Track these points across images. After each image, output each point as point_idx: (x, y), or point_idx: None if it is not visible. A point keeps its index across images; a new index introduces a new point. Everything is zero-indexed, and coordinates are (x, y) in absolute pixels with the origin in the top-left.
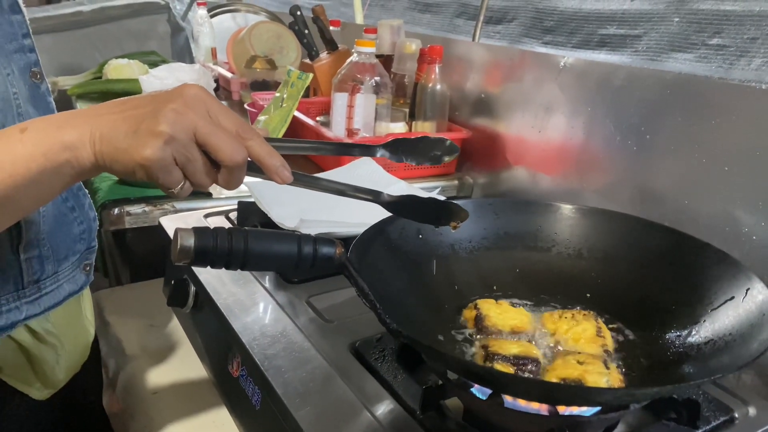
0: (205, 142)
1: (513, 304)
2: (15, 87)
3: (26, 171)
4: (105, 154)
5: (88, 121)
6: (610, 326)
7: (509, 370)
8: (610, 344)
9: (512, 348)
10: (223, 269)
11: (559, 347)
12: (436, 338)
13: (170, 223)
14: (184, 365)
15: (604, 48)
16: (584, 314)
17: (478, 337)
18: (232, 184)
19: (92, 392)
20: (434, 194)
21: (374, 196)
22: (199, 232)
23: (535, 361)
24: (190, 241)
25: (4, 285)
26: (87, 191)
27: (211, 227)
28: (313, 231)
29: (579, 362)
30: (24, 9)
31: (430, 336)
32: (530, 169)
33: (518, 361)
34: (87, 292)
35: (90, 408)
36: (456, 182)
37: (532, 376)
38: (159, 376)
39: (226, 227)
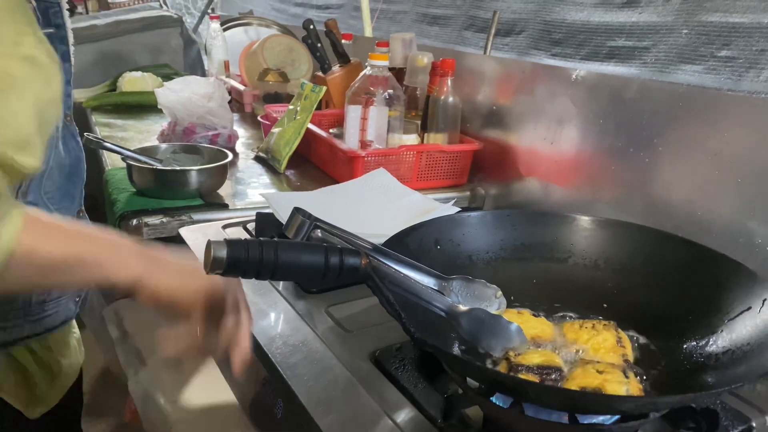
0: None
1: (534, 314)
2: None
3: (81, 277)
4: (148, 285)
5: (137, 259)
6: (628, 336)
7: (533, 379)
8: (630, 354)
9: (535, 358)
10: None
11: (580, 357)
12: (457, 347)
13: (189, 234)
14: (204, 375)
15: (612, 60)
16: (605, 324)
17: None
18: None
19: (74, 413)
20: (449, 205)
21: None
22: (231, 243)
23: (558, 369)
24: (223, 252)
25: (14, 301)
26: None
27: (242, 238)
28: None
29: (599, 371)
30: (73, 58)
31: (450, 345)
32: (542, 181)
33: (542, 371)
34: (73, 321)
35: (71, 427)
36: (468, 193)
37: (554, 384)
38: (178, 385)
39: (257, 239)
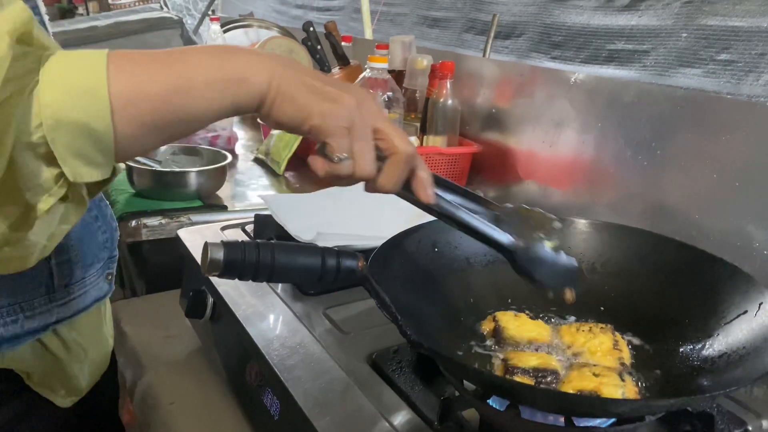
0: (381, 127)
1: (531, 317)
2: None
3: (195, 76)
4: (282, 92)
5: (270, 59)
6: (624, 339)
7: (529, 382)
8: (627, 357)
9: (531, 360)
10: (242, 281)
11: (576, 360)
12: (454, 350)
13: (188, 236)
14: (201, 376)
15: (612, 63)
16: (602, 327)
17: (495, 347)
18: (393, 179)
19: (109, 401)
20: None
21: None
22: (228, 245)
23: (554, 372)
24: (219, 254)
25: (37, 288)
26: (108, 202)
27: (239, 240)
28: (329, 244)
29: (595, 374)
30: (50, 29)
31: (447, 348)
32: (541, 184)
33: (538, 373)
34: (107, 303)
35: (107, 416)
36: None
37: (550, 387)
38: (175, 386)
39: (254, 241)
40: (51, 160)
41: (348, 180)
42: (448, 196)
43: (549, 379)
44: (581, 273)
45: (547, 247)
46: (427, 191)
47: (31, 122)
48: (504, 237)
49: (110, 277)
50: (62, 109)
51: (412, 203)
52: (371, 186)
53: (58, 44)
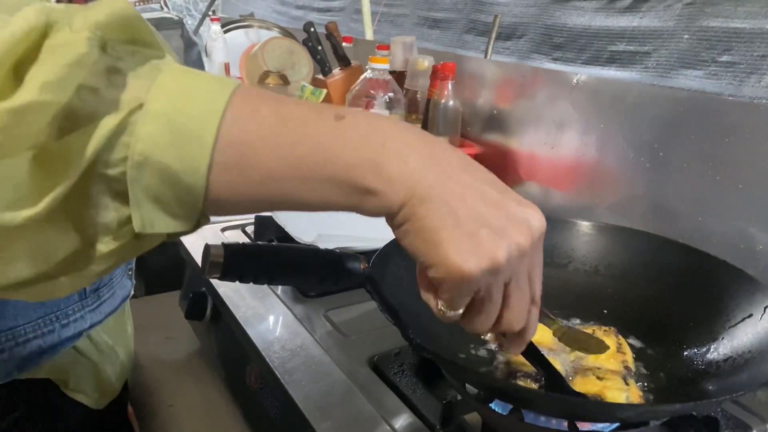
0: (509, 296)
1: None
2: None
3: (320, 168)
4: (414, 220)
5: (420, 165)
6: (628, 342)
7: (532, 386)
8: (631, 360)
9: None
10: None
11: (580, 363)
12: (456, 353)
13: (188, 237)
14: (201, 378)
15: (613, 64)
16: (605, 330)
17: (497, 351)
18: (479, 330)
19: (123, 398)
20: None
21: None
22: (228, 247)
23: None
24: (220, 256)
25: (70, 296)
26: None
27: (240, 242)
28: (330, 246)
29: (599, 378)
30: None
31: (450, 351)
32: (542, 185)
33: (541, 377)
34: (127, 301)
35: (121, 414)
36: None
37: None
38: (175, 388)
39: (256, 243)
40: (123, 199)
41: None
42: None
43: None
44: None
45: None
46: (518, 350)
47: (118, 153)
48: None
49: (131, 273)
50: (156, 147)
51: None
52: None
53: (167, 44)
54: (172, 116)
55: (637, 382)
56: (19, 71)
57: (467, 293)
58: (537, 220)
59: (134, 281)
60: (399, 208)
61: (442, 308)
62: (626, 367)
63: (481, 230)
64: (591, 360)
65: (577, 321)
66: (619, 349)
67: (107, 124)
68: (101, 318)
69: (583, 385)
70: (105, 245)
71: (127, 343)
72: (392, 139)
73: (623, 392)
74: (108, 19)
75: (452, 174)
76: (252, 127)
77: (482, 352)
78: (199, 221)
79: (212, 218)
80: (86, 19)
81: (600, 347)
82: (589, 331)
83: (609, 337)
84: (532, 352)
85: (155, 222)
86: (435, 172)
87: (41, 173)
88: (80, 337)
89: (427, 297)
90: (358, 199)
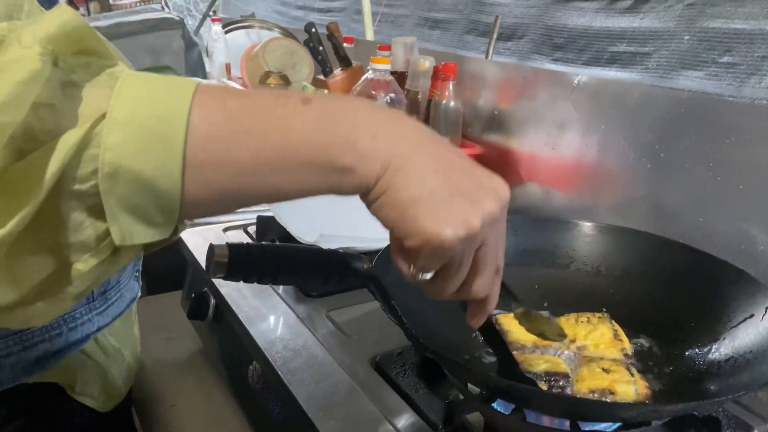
0: (479, 262)
1: None
2: None
3: (293, 154)
4: (390, 193)
5: (391, 140)
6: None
7: (542, 387)
8: (628, 347)
9: (540, 364)
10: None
11: (581, 354)
12: (459, 353)
13: (190, 237)
14: (203, 378)
15: (614, 65)
16: (599, 317)
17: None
18: (442, 295)
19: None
20: None
21: None
22: (233, 247)
23: (565, 375)
24: (225, 256)
25: None
26: None
27: (244, 242)
28: (333, 246)
29: (604, 370)
30: None
31: (452, 351)
32: (543, 186)
33: (550, 377)
34: (134, 304)
35: (126, 416)
36: None
37: (562, 391)
38: (177, 388)
39: (260, 243)
40: (98, 213)
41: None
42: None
43: (561, 383)
44: None
45: None
46: (479, 321)
47: (86, 166)
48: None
49: (138, 275)
50: (126, 155)
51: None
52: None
53: (119, 53)
54: (139, 122)
55: (639, 371)
56: None
57: (443, 260)
58: (503, 189)
59: (141, 283)
60: (375, 182)
61: (414, 272)
62: (625, 354)
63: (455, 198)
64: (591, 349)
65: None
66: (616, 336)
67: (70, 138)
68: (109, 321)
69: (591, 379)
70: (84, 264)
71: (133, 345)
72: (361, 118)
73: (632, 385)
74: (57, 31)
75: (423, 145)
76: (220, 122)
77: (485, 352)
78: (177, 227)
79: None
80: (35, 33)
81: (558, 334)
82: (584, 318)
83: (603, 324)
84: (491, 332)
85: (134, 233)
86: (406, 144)
87: (4, 196)
88: (88, 340)
89: (400, 262)
90: (336, 178)
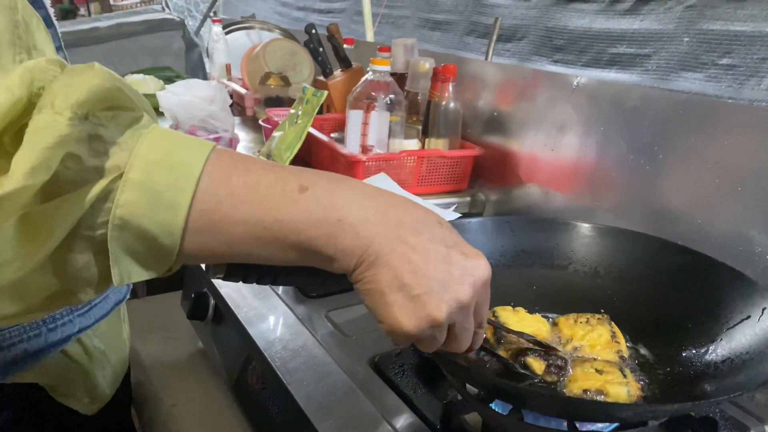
0: (453, 333)
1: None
2: None
3: (283, 237)
4: (363, 282)
5: (372, 235)
6: (628, 344)
7: (540, 364)
8: (624, 349)
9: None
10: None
11: (576, 354)
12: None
13: None
14: (202, 378)
15: (614, 67)
16: (598, 318)
17: (493, 343)
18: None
19: (125, 404)
20: (450, 211)
21: None
22: None
23: (563, 358)
24: None
25: None
26: None
27: None
28: None
29: (597, 371)
30: (56, 22)
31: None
32: (543, 187)
33: (548, 358)
34: (124, 306)
35: (124, 420)
36: (468, 199)
37: (561, 372)
38: (177, 388)
39: None
40: (104, 255)
41: None
42: None
43: (559, 362)
44: None
45: None
46: (464, 357)
47: (100, 217)
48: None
49: None
50: (135, 213)
51: None
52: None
53: (146, 102)
54: (150, 185)
55: (632, 372)
56: (3, 142)
57: (410, 342)
58: (481, 270)
59: (131, 286)
60: (353, 271)
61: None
62: (621, 357)
63: (422, 293)
64: (587, 350)
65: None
66: (613, 338)
67: (91, 191)
68: (91, 322)
69: (584, 379)
70: (85, 295)
71: (121, 349)
72: (349, 211)
73: (624, 386)
74: (89, 97)
75: (401, 237)
76: (223, 197)
77: (482, 351)
78: (170, 268)
79: None
80: (68, 98)
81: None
82: (583, 319)
83: (602, 325)
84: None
85: (132, 273)
86: (385, 238)
87: (26, 237)
88: (69, 341)
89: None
90: (319, 261)
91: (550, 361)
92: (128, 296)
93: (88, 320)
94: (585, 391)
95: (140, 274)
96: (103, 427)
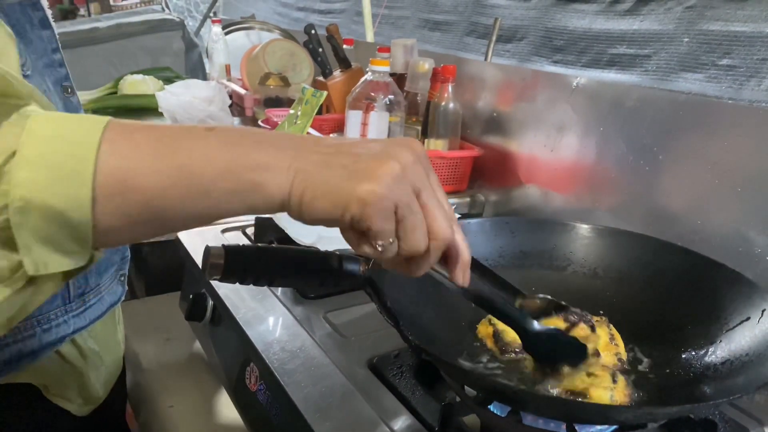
0: (426, 206)
1: None
2: (52, 102)
3: (200, 174)
4: (308, 190)
5: (289, 146)
6: (626, 346)
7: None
8: (623, 352)
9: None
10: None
11: None
12: (455, 355)
13: (188, 238)
14: (200, 379)
15: (613, 67)
16: (597, 320)
17: (496, 352)
18: (424, 267)
19: (119, 405)
20: None
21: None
22: (229, 249)
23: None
24: (220, 258)
25: (53, 300)
26: None
27: (241, 244)
28: (331, 247)
29: (588, 373)
30: (53, 24)
31: (449, 353)
32: (542, 188)
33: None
34: (119, 307)
35: (118, 422)
36: (468, 199)
37: (591, 328)
38: (175, 389)
39: (256, 245)
40: (11, 245)
41: (391, 259)
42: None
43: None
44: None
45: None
46: (465, 274)
47: None
48: (529, 323)
49: (123, 278)
50: (36, 190)
51: (439, 279)
52: (397, 268)
53: (37, 90)
54: (48, 158)
55: (634, 385)
56: None
57: (388, 213)
58: (413, 142)
59: (126, 288)
60: (290, 189)
61: (379, 245)
62: (620, 359)
63: (370, 161)
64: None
65: None
66: (612, 341)
67: None
68: (86, 323)
69: (570, 380)
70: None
71: (115, 350)
72: (261, 135)
73: (608, 391)
74: None
75: (318, 147)
76: (128, 152)
77: (479, 352)
78: (93, 255)
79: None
80: None
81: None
82: None
83: (601, 327)
84: (481, 298)
85: (48, 263)
86: (303, 151)
87: None
88: (63, 342)
89: (362, 247)
90: (249, 196)
91: (571, 318)
92: (123, 298)
93: (83, 321)
94: (567, 391)
95: (59, 262)
96: (96, 428)
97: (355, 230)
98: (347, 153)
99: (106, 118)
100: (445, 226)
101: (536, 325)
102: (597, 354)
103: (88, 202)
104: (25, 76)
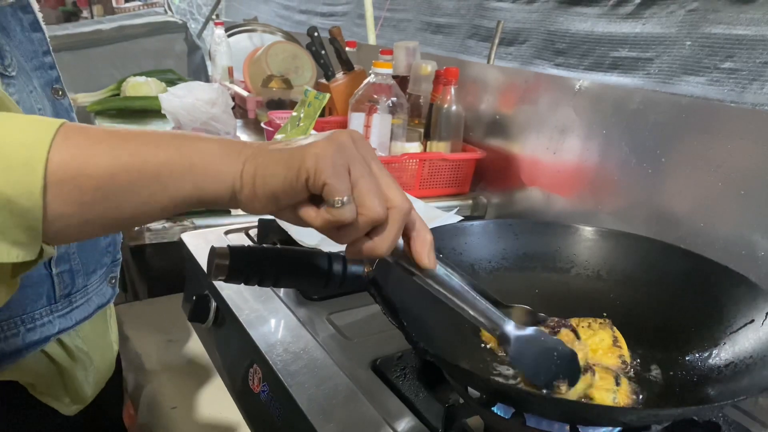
0: (376, 172)
1: None
2: (39, 104)
3: (151, 156)
4: (258, 166)
5: (239, 142)
6: (630, 348)
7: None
8: (627, 354)
9: None
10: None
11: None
12: (459, 357)
13: (191, 240)
14: (204, 380)
15: (615, 70)
16: (600, 323)
17: (501, 354)
18: (388, 238)
19: (114, 407)
20: (451, 214)
21: (497, 325)
22: (234, 250)
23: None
24: (225, 260)
25: (38, 299)
26: None
27: (246, 245)
28: (334, 249)
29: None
30: (44, 27)
31: (452, 354)
32: (544, 190)
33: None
34: (112, 308)
35: (112, 422)
36: (470, 202)
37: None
38: (178, 391)
39: (260, 246)
40: None
41: (349, 231)
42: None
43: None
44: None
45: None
46: (430, 255)
47: None
48: (505, 323)
49: (113, 281)
50: None
51: (407, 273)
52: (359, 248)
53: (6, 95)
54: (1, 147)
55: (638, 386)
56: None
57: (341, 168)
58: (353, 131)
59: (117, 290)
60: (241, 168)
61: (336, 202)
62: (623, 362)
63: (308, 139)
64: (590, 355)
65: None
66: (615, 343)
67: None
68: (72, 324)
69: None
70: None
71: (106, 351)
72: (214, 136)
73: (611, 393)
74: None
75: (265, 144)
76: (81, 141)
77: (485, 355)
78: (42, 249)
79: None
80: None
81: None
82: (585, 323)
83: (604, 330)
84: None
85: None
86: (257, 144)
87: None
88: (48, 341)
89: (316, 214)
90: (197, 175)
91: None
92: (113, 300)
93: (69, 322)
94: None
95: (7, 252)
96: (88, 429)
97: (313, 202)
98: (294, 142)
99: (60, 120)
100: (402, 195)
101: (515, 328)
102: (592, 371)
103: (39, 190)
104: (9, 77)
